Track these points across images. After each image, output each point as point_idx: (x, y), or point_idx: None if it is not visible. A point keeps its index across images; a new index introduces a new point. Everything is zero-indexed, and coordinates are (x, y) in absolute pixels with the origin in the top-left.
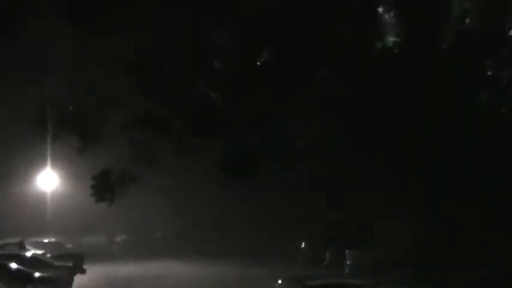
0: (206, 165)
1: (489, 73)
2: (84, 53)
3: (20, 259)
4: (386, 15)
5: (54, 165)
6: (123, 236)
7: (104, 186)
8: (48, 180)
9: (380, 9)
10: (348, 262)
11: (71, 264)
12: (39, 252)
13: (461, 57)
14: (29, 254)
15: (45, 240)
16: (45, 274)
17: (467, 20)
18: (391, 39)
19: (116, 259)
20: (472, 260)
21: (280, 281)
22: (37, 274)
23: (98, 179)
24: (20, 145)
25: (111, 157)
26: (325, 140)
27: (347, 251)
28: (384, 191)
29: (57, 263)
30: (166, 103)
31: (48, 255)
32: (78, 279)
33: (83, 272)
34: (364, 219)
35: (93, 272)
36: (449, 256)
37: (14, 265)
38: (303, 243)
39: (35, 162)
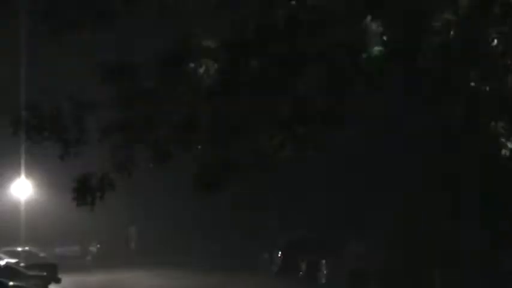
0: (185, 174)
1: (472, 84)
2: (64, 56)
3: None
4: (371, 26)
5: (28, 173)
6: (98, 246)
7: (86, 190)
8: (22, 188)
9: (364, 20)
10: (325, 272)
11: (44, 273)
12: (13, 261)
13: (443, 69)
14: (2, 263)
15: (19, 249)
16: (18, 283)
17: (450, 32)
18: (376, 49)
19: (89, 269)
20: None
21: None
22: (11, 283)
23: (80, 182)
24: None
25: (88, 164)
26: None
27: (323, 261)
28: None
29: (30, 273)
30: (147, 109)
31: (22, 264)
32: None
33: (58, 281)
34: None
35: (66, 282)
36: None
37: None
38: (279, 253)
39: (9, 170)
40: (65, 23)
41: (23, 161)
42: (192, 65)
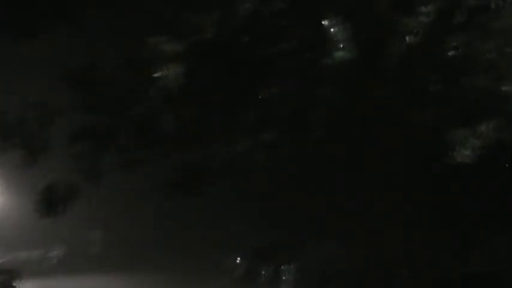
0: (150, 180)
1: (432, 90)
2: (27, 63)
3: None
4: (334, 31)
5: None
6: (57, 251)
7: (49, 202)
8: None
9: (327, 24)
10: (284, 278)
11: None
12: None
13: (405, 75)
14: None
15: None
16: None
17: (411, 38)
18: (339, 54)
19: (51, 274)
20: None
21: None
22: None
23: (44, 194)
24: None
25: (53, 171)
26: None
27: (283, 266)
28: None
29: None
30: (110, 115)
31: None
32: None
33: None
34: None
35: None
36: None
37: None
38: (238, 258)
39: None
40: (25, 29)
41: None
42: (156, 70)
